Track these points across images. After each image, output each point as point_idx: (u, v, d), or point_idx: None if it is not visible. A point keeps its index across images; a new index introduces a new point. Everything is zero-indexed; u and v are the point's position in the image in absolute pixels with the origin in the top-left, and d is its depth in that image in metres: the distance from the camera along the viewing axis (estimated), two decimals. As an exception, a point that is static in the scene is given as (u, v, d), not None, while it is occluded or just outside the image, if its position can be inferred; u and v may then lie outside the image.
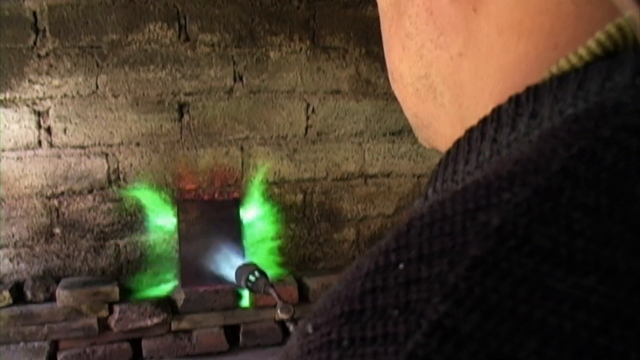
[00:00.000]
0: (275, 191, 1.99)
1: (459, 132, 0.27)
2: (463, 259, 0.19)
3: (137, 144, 1.88)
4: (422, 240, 0.20)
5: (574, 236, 0.18)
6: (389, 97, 2.05)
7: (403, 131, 2.10)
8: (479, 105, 0.28)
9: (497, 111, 0.25)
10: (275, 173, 1.98)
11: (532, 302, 0.18)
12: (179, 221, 1.85)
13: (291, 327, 1.22)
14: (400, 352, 0.18)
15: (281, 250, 1.98)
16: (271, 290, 1.28)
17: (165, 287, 1.85)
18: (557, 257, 0.18)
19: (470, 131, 0.26)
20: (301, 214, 2.02)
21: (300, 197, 2.02)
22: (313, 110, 2.01)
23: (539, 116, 0.24)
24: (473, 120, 0.26)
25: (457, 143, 0.27)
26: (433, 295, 0.18)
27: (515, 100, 0.25)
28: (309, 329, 0.20)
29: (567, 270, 0.18)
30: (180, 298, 1.80)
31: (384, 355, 0.18)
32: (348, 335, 0.19)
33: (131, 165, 1.88)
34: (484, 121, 0.26)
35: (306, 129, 2.01)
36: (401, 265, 0.20)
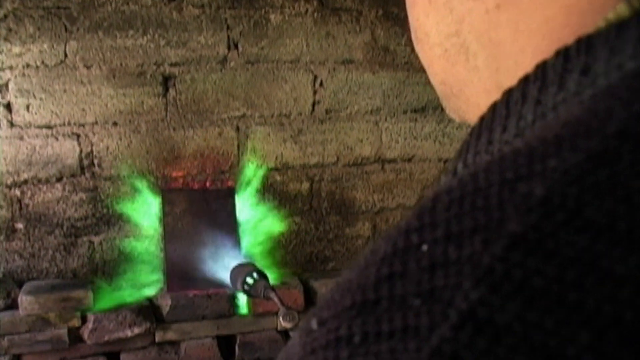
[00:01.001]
0: (277, 179, 1.93)
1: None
2: (500, 237, 0.19)
3: (114, 124, 1.81)
4: (451, 217, 0.20)
5: (634, 209, 0.18)
6: (411, 67, 1.99)
7: (427, 108, 2.04)
8: (519, 67, 0.27)
9: (542, 68, 0.25)
10: (277, 158, 1.93)
11: (585, 288, 0.17)
12: (164, 214, 1.79)
13: (296, 338, 1.20)
14: (423, 348, 0.17)
15: (284, 248, 1.94)
16: (272, 295, 1.27)
17: (148, 292, 1.78)
18: (614, 234, 0.18)
19: (508, 93, 0.26)
20: (307, 205, 1.97)
21: (306, 185, 1.97)
22: (321, 84, 1.95)
23: (592, 72, 0.23)
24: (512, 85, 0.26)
25: (493, 107, 0.26)
26: (463, 281, 0.18)
27: (564, 54, 0.24)
28: (313, 324, 0.20)
29: (626, 250, 0.18)
30: (165, 304, 1.73)
31: (402, 352, 0.17)
32: (360, 329, 0.19)
33: (107, 148, 1.80)
34: (525, 80, 0.25)
35: (313, 105, 1.95)
36: (425, 247, 0.19)
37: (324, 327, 0.19)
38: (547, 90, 0.24)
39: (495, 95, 0.27)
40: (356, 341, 0.18)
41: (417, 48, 0.32)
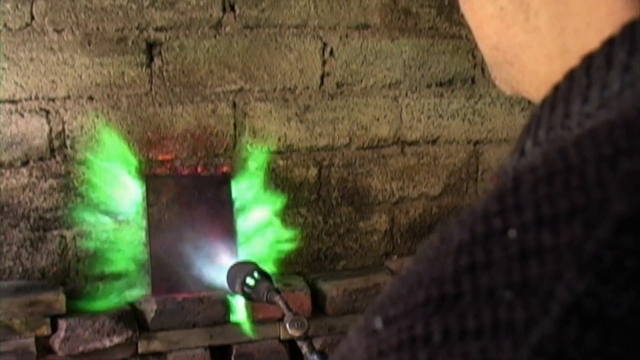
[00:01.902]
0: (279, 164, 1.93)
1: (559, 69, 0.26)
2: (604, 220, 0.19)
3: (90, 98, 1.79)
4: (540, 198, 0.20)
5: None
6: (437, 33, 1.98)
7: (455, 80, 2.01)
8: (591, 28, 0.26)
9: (631, 28, 0.24)
10: (279, 139, 1.92)
11: None
12: (148, 204, 1.79)
13: (304, 348, 1.22)
14: (521, 347, 0.17)
15: (288, 243, 1.93)
16: (277, 298, 1.29)
17: (130, 295, 1.78)
18: None
19: (589, 58, 0.25)
20: (315, 194, 1.97)
21: (313, 171, 1.96)
22: (331, 53, 1.94)
23: None
24: (581, 51, 0.26)
25: (570, 75, 0.26)
26: (564, 270, 0.18)
27: None
28: (377, 323, 0.20)
29: None
30: (150, 309, 1.72)
31: (496, 352, 0.17)
32: (440, 327, 0.18)
33: (82, 127, 1.79)
34: (610, 43, 0.25)
35: (322, 78, 1.94)
36: (512, 232, 0.20)
37: (392, 326, 0.19)
38: (637, 54, 0.24)
39: (558, 63, 0.27)
40: (436, 341, 0.18)
41: (464, 8, 0.32)
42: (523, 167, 0.21)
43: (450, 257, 0.19)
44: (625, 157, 0.19)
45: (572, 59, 0.25)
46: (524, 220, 0.19)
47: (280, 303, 1.31)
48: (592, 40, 0.25)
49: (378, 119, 1.99)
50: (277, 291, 1.35)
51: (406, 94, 2.00)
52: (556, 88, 0.26)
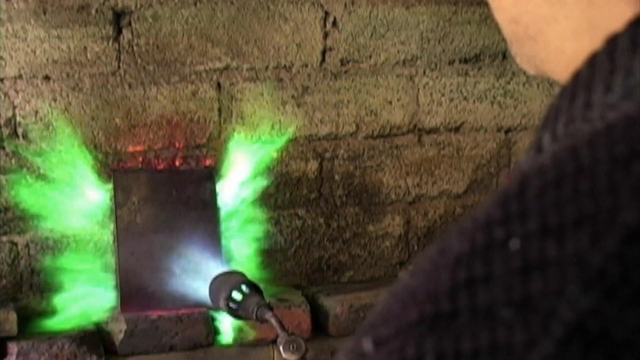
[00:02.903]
0: (273, 156, 1.86)
1: (588, 47, 0.27)
2: (613, 230, 0.19)
3: (46, 78, 1.73)
4: (546, 205, 0.20)
5: None
6: (459, 0, 1.92)
7: (482, 56, 1.94)
8: (622, 1, 0.27)
9: None
10: (273, 126, 1.86)
11: None
12: (116, 205, 1.74)
13: (302, 375, 1.22)
14: None
15: (283, 251, 1.89)
16: (269, 316, 1.30)
17: (95, 313, 1.73)
18: None
19: (613, 40, 0.26)
20: (315, 192, 1.91)
21: (314, 165, 1.90)
22: (334, 23, 1.88)
23: None
24: (611, 28, 0.26)
25: (592, 60, 0.26)
26: (568, 285, 0.19)
27: None
28: (367, 345, 0.20)
29: None
30: (118, 330, 1.67)
31: None
32: (433, 349, 0.19)
33: (36, 112, 1.73)
34: (635, 23, 0.25)
35: (323, 54, 1.88)
36: (514, 243, 0.20)
37: (383, 347, 0.20)
38: None
39: (587, 39, 0.27)
40: None
41: None
42: (531, 169, 0.21)
43: (447, 271, 0.20)
44: (639, 160, 0.19)
45: (603, 37, 0.25)
46: (528, 230, 0.19)
47: (273, 321, 1.30)
48: (623, 15, 0.25)
49: (390, 103, 1.93)
50: (269, 307, 1.34)
51: (424, 73, 1.95)
52: (577, 75, 0.26)
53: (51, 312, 1.72)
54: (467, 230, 0.21)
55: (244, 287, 1.38)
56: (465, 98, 1.96)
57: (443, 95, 1.95)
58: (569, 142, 0.22)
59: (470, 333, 0.18)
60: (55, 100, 1.74)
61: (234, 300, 1.38)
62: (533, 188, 0.20)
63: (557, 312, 0.18)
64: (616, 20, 0.26)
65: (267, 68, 1.85)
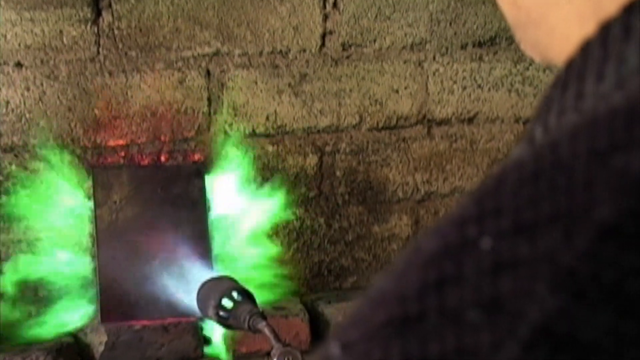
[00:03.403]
0: (268, 150, 1.85)
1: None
2: (586, 227, 0.19)
3: (18, 65, 1.72)
4: (521, 202, 0.21)
5: None
6: None
7: (498, 39, 1.92)
8: None
9: None
10: (268, 118, 1.84)
11: None
12: (96, 205, 1.72)
13: (298, 390, 1.29)
14: None
15: (279, 255, 1.84)
16: (262, 325, 1.31)
17: (72, 323, 1.71)
18: None
19: (606, 27, 0.26)
20: (315, 190, 1.89)
21: (313, 160, 1.88)
22: (335, 4, 1.87)
23: None
24: (617, 11, 0.27)
25: (585, 48, 0.27)
26: (537, 285, 0.19)
27: None
28: (334, 349, 0.21)
29: None
30: (98, 341, 1.65)
31: None
32: (399, 352, 0.20)
33: (7, 103, 1.73)
34: (629, 8, 0.26)
35: (323, 37, 1.86)
36: (485, 242, 0.20)
37: (350, 351, 0.20)
38: None
39: (592, 25, 0.27)
40: None
41: None
42: (510, 164, 0.22)
43: (417, 271, 0.20)
44: (620, 152, 0.19)
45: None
46: (501, 228, 0.20)
47: (267, 331, 1.27)
48: None
49: (397, 91, 1.90)
50: (262, 316, 1.31)
51: (434, 58, 1.92)
52: (570, 63, 0.26)
53: (24, 321, 1.69)
54: (441, 229, 0.21)
55: (235, 294, 1.34)
56: (479, 86, 1.93)
57: (455, 82, 1.92)
58: (554, 135, 0.22)
59: (437, 336, 0.19)
60: (28, 89, 1.72)
61: (224, 309, 1.34)
62: (509, 184, 0.21)
63: (524, 313, 0.18)
64: (622, 4, 0.26)
65: (261, 53, 1.83)
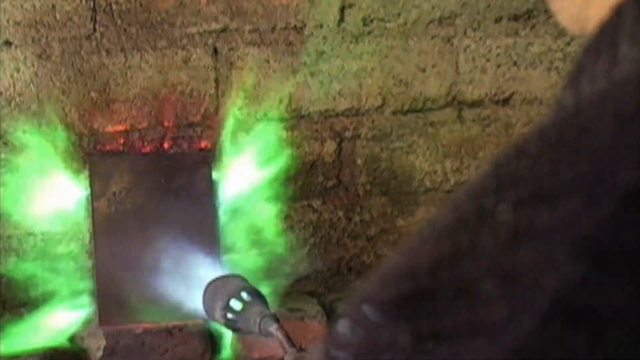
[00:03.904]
0: (282, 136, 1.82)
1: None
2: (608, 193, 0.19)
3: (7, 44, 1.73)
4: (541, 169, 0.21)
5: None
6: None
7: (536, 12, 1.88)
8: None
9: None
10: (281, 100, 1.81)
11: None
12: (93, 196, 1.72)
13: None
14: (498, 349, 0.18)
15: (295, 251, 1.83)
16: (274, 328, 1.31)
17: (68, 327, 1.70)
18: None
19: None
20: (333, 179, 1.87)
21: (331, 146, 1.86)
22: None
23: None
24: None
25: (618, 10, 0.27)
26: (556, 254, 0.19)
27: None
28: (344, 327, 0.21)
29: None
30: (96, 346, 1.66)
31: (470, 356, 0.19)
32: (411, 328, 0.20)
33: None
34: None
35: (342, 11, 1.83)
36: (503, 212, 0.21)
37: (359, 329, 0.20)
38: None
39: None
40: (403, 346, 0.19)
41: None
42: (531, 131, 0.21)
43: (431, 244, 0.20)
44: None
45: None
46: (521, 197, 0.20)
47: (279, 335, 1.25)
48: None
49: (424, 70, 1.87)
50: (274, 318, 1.28)
51: (465, 33, 1.88)
52: (602, 27, 0.26)
53: (17, 326, 1.67)
54: (457, 201, 0.21)
55: (244, 295, 1.32)
56: (515, 63, 1.89)
57: (488, 60, 1.88)
58: (583, 101, 0.22)
59: (449, 311, 0.19)
60: (18, 70, 1.71)
61: (232, 310, 1.32)
62: (531, 152, 0.20)
63: (542, 284, 0.18)
64: None
65: (273, 29, 1.80)
